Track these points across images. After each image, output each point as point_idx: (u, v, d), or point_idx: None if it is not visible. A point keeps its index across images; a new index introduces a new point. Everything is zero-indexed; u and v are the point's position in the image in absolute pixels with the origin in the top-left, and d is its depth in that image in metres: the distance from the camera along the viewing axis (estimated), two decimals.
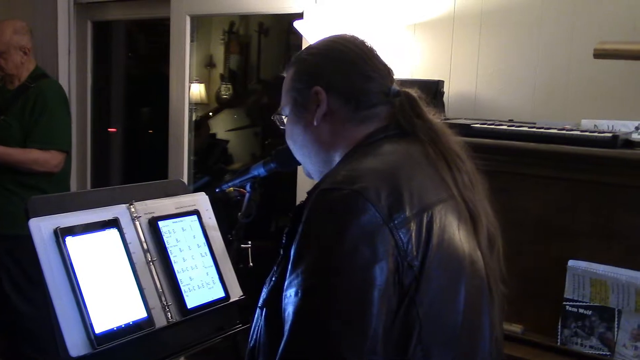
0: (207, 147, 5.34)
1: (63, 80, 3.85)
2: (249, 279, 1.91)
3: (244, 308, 1.80)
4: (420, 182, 1.16)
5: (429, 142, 1.24)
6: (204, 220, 1.86)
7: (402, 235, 1.05)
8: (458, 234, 1.17)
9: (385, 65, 1.34)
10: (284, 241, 1.17)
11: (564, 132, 1.92)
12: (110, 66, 4.47)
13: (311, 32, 2.66)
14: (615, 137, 1.85)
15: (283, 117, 1.37)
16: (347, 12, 2.73)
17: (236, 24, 5.57)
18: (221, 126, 5.72)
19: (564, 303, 1.89)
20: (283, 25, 5.45)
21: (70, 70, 3.97)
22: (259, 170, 1.65)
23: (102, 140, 4.41)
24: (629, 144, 1.91)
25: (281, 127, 1.39)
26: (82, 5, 3.97)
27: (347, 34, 1.36)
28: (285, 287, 1.07)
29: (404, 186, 1.11)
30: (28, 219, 1.49)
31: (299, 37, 2.82)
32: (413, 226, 1.08)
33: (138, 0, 3.78)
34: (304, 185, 3.09)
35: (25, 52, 3.25)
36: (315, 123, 1.27)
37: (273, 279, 1.17)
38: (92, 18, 4.04)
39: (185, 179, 3.64)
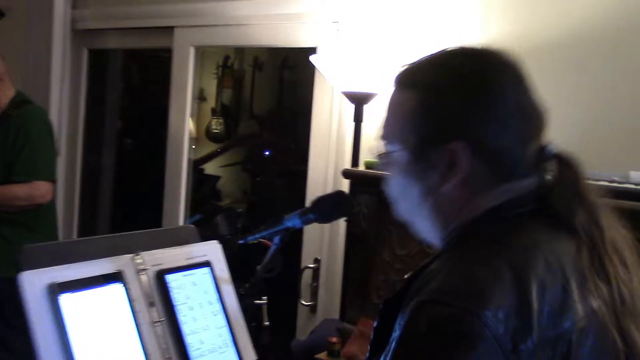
0: (196, 183, 5.13)
1: (54, 109, 3.64)
2: (263, 338, 1.69)
3: None
4: (561, 293, 0.84)
5: (587, 239, 0.90)
6: (216, 272, 1.64)
7: None
8: None
9: (539, 106, 0.95)
10: (372, 339, 0.96)
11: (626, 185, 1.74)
12: (105, 96, 4.26)
13: (330, 67, 2.49)
14: None
15: (388, 154, 1.00)
16: (375, 40, 2.56)
17: (231, 57, 5.42)
18: (212, 162, 5.53)
19: None
20: (277, 61, 5.32)
21: (63, 99, 3.76)
22: (294, 222, 1.43)
23: (93, 173, 4.18)
24: None
25: (381, 167, 1.04)
26: (80, 32, 3.78)
27: (490, 47, 0.96)
28: None
29: (536, 300, 0.81)
30: (18, 270, 1.28)
31: (293, 72, 2.69)
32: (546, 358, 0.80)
33: (139, 28, 3.59)
34: (311, 231, 2.88)
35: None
36: (444, 190, 0.93)
37: None
38: (89, 46, 3.85)
39: (181, 218, 3.42)
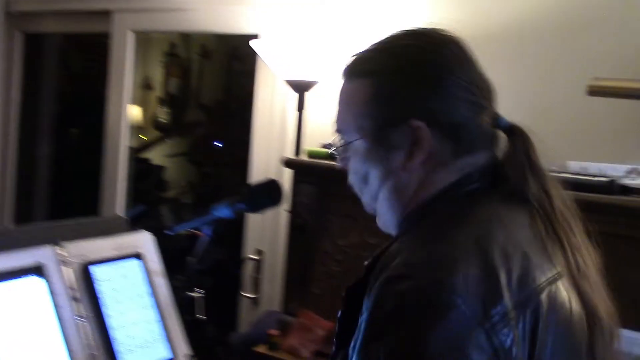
0: (141, 173, 5.00)
1: None
2: (199, 333, 1.63)
3: None
4: (522, 259, 0.85)
5: (538, 207, 0.92)
6: (148, 264, 1.58)
7: (503, 338, 0.77)
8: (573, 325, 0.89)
9: (486, 79, 0.98)
10: (337, 329, 0.93)
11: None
12: (41, 83, 4.09)
13: (272, 54, 2.43)
14: (611, 182, 1.69)
15: (346, 146, 1.00)
16: (318, 27, 2.51)
17: (177, 45, 5.30)
18: (157, 151, 5.40)
19: None
20: (226, 49, 5.22)
21: None
22: (224, 212, 1.38)
23: (28, 164, 4.01)
24: (624, 189, 1.75)
25: (338, 160, 1.04)
26: (13, 14, 3.61)
27: (432, 27, 0.98)
28: None
29: (502, 266, 0.82)
30: None
31: (244, 62, 2.63)
32: (517, 322, 0.79)
33: (77, 12, 3.46)
34: (253, 222, 2.83)
35: None
36: (408, 169, 0.94)
37: None
38: (24, 29, 3.69)
39: (119, 208, 3.31)
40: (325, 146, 2.21)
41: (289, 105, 2.71)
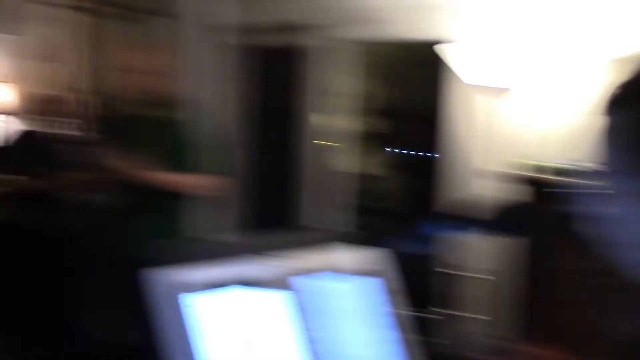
0: (358, 184, 5.02)
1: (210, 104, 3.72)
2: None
3: None
4: None
5: None
6: (381, 282, 1.49)
7: None
8: None
9: None
10: None
11: None
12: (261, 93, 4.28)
13: (464, 60, 2.33)
14: None
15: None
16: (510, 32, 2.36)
17: (387, 55, 5.27)
18: (371, 162, 5.41)
19: None
20: (438, 57, 5.08)
21: (217, 95, 3.84)
22: (459, 229, 1.25)
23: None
24: None
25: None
26: (245, 29, 3.83)
27: None
28: None
29: None
30: (149, 266, 1.21)
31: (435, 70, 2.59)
32: None
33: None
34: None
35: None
36: None
37: None
38: (246, 43, 3.90)
39: (336, 220, 3.33)
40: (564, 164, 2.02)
41: (485, 114, 2.57)
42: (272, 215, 4.26)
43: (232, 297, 1.25)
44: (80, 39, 4.88)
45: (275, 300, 1.30)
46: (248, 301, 1.27)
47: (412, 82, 5.12)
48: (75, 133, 4.60)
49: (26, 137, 4.42)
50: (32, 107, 4.51)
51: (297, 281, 1.34)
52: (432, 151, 4.41)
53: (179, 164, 2.97)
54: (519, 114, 2.38)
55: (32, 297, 3.94)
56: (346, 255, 1.46)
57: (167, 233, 2.92)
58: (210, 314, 1.21)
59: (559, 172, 1.98)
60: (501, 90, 2.36)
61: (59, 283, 3.79)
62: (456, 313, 2.77)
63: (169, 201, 2.99)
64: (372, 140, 5.40)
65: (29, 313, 3.89)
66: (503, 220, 1.23)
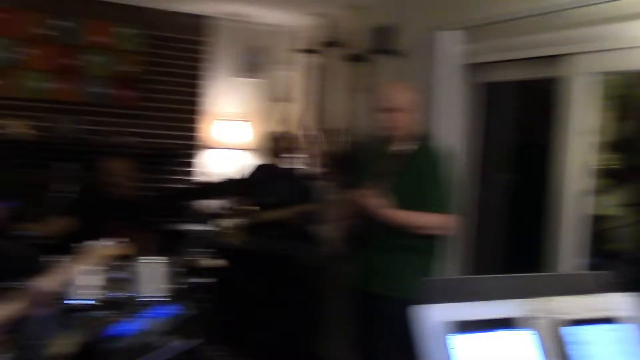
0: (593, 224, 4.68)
1: (450, 142, 3.75)
2: None
3: None
4: None
5: None
6: (626, 331, 1.41)
7: None
8: None
9: None
10: None
11: None
12: (493, 130, 4.22)
13: None
14: None
15: None
16: None
17: (633, 85, 4.90)
18: (608, 200, 5.03)
19: None
20: None
21: (454, 133, 3.84)
22: None
23: (482, 208, 4.14)
24: None
25: None
26: (474, 65, 3.83)
27: None
28: None
29: None
30: (417, 299, 1.26)
31: None
32: None
33: (530, 59, 3.48)
34: None
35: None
36: None
37: None
38: (480, 79, 3.89)
39: (568, 262, 3.16)
40: None
41: None
42: (524, 258, 4.16)
43: (497, 338, 1.26)
44: (322, 80, 5.14)
45: (534, 343, 1.29)
46: (511, 343, 1.27)
47: None
48: (309, 168, 4.96)
49: (262, 171, 4.81)
50: (267, 144, 4.85)
51: (564, 327, 1.32)
52: None
53: (428, 202, 3.02)
54: None
55: (276, 322, 4.15)
56: (609, 301, 1.40)
57: (421, 271, 2.99)
58: (473, 355, 1.23)
59: None
60: None
61: (304, 311, 3.96)
62: None
63: (422, 239, 3.04)
64: (608, 177, 5.04)
65: (271, 337, 4.11)
66: None
